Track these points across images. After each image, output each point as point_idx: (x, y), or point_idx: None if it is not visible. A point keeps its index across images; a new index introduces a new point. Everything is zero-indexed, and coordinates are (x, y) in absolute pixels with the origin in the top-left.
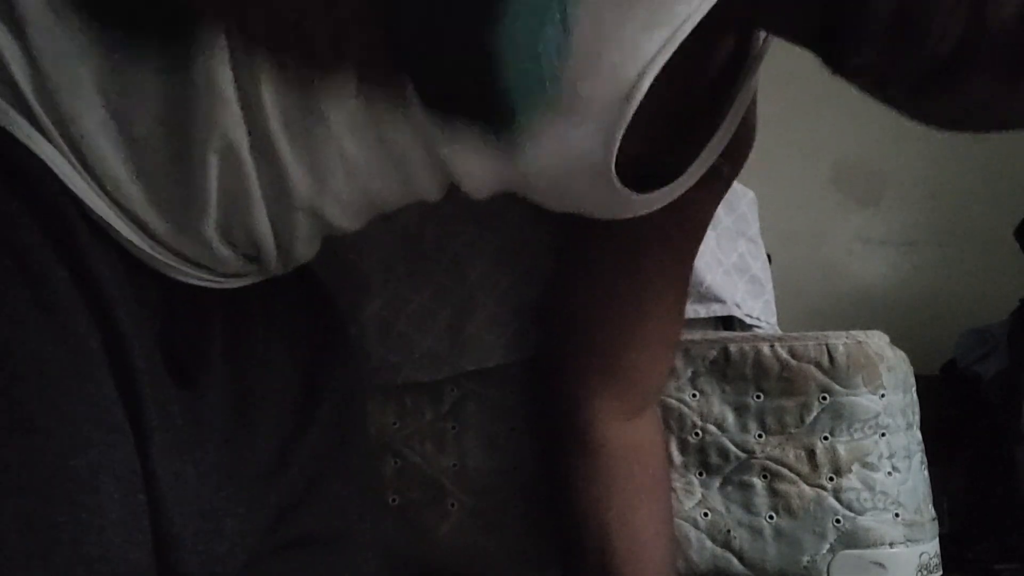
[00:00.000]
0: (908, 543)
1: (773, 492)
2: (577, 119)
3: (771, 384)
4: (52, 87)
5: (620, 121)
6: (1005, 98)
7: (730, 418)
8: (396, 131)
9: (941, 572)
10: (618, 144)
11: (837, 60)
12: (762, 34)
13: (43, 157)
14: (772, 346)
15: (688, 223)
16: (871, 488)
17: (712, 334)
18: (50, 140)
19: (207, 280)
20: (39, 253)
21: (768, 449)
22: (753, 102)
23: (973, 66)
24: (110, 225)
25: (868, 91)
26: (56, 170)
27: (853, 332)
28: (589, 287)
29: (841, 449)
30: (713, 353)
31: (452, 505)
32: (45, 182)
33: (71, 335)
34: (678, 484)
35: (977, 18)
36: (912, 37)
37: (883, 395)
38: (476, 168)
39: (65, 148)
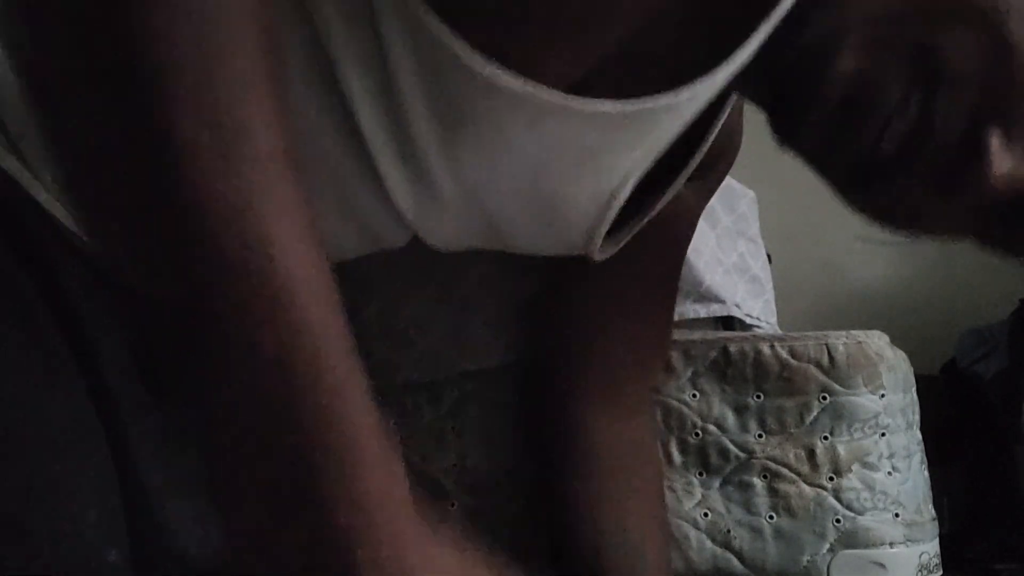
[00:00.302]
0: (908, 543)
1: (773, 492)
2: (561, 222)
3: (771, 384)
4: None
5: (604, 218)
6: (934, 210)
7: (730, 418)
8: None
9: (941, 572)
10: (603, 236)
11: (782, 133)
12: None
13: (3, 166)
14: (772, 346)
15: (676, 224)
16: (871, 488)
17: (712, 334)
18: (11, 152)
19: None
20: (5, 263)
21: (768, 449)
22: (740, 110)
23: (909, 171)
24: (75, 235)
25: (809, 166)
26: (20, 180)
27: (853, 332)
28: (582, 288)
29: (841, 449)
30: (713, 353)
31: (452, 505)
32: (8, 192)
33: (42, 346)
34: (678, 484)
35: (923, 125)
36: (855, 129)
37: (883, 395)
38: (447, 230)
39: (25, 159)
